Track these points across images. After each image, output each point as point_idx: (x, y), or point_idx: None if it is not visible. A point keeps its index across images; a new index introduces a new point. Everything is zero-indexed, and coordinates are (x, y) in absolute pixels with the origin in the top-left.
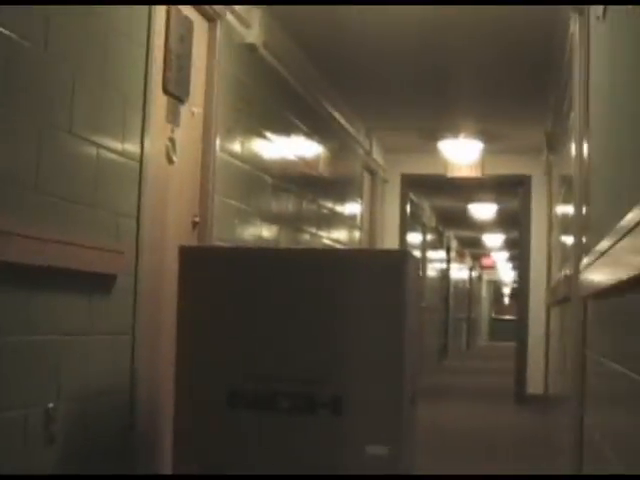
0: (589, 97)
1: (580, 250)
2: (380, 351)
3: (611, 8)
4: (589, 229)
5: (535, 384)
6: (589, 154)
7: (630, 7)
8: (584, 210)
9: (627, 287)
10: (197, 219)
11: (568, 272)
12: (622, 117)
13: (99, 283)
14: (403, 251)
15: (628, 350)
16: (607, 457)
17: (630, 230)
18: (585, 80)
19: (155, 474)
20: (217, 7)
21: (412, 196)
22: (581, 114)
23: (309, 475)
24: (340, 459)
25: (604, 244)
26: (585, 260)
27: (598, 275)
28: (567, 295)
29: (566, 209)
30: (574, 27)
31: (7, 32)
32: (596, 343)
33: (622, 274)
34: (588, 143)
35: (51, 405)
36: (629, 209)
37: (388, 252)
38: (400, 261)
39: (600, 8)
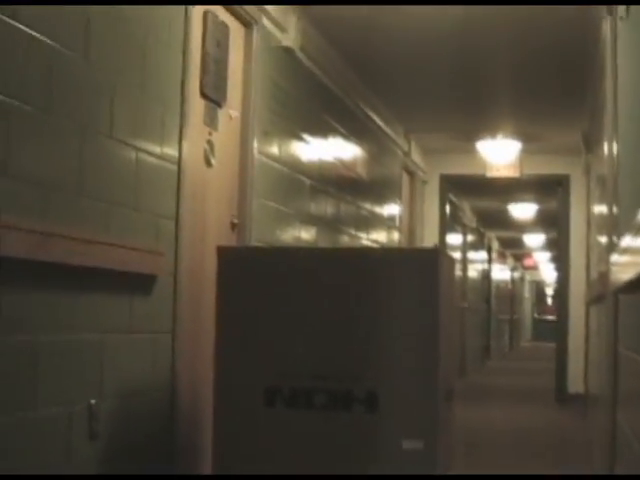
0: (617, 97)
1: (611, 247)
2: (414, 348)
3: (634, 8)
4: (618, 227)
5: (576, 383)
6: (618, 154)
7: None
8: (614, 209)
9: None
10: (236, 220)
11: (602, 269)
12: None
13: (140, 283)
14: (436, 249)
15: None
16: (637, 452)
17: None
18: (614, 80)
19: (187, 474)
20: (253, 11)
21: (452, 197)
22: (612, 114)
23: (341, 475)
24: (376, 454)
25: (626, 241)
26: (614, 257)
27: (624, 271)
28: (601, 293)
29: (601, 208)
30: (605, 27)
31: (49, 41)
32: (626, 338)
33: (635, 271)
34: (617, 143)
35: (93, 402)
36: None
37: (421, 250)
38: (433, 259)
39: (623, 8)
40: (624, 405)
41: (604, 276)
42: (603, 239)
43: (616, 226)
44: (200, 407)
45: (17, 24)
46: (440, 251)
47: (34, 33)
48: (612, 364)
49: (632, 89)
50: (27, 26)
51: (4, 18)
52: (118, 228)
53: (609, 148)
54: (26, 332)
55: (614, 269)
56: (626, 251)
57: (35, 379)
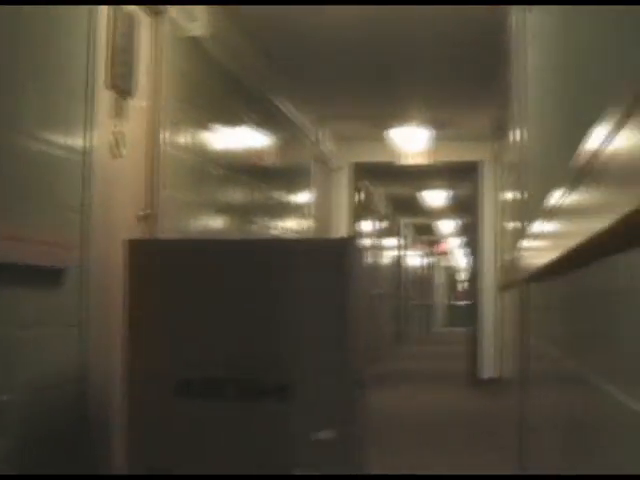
0: (526, 85)
1: (520, 234)
2: (325, 338)
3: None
4: (528, 213)
5: (489, 368)
6: (527, 141)
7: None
8: (523, 195)
9: (547, 270)
10: (145, 212)
11: (512, 256)
12: (549, 103)
13: (47, 276)
14: (345, 239)
15: (546, 330)
16: (541, 433)
17: (551, 213)
18: (523, 69)
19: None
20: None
21: (366, 184)
22: (520, 102)
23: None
24: (288, 444)
25: (535, 227)
26: (524, 243)
27: (532, 259)
28: (512, 279)
29: (511, 194)
30: (514, 16)
31: None
32: (532, 324)
33: (547, 257)
34: (525, 130)
35: (4, 398)
36: (551, 193)
37: (330, 241)
38: (342, 249)
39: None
40: (531, 389)
41: (514, 262)
42: (513, 225)
43: (525, 212)
44: (113, 399)
45: None
46: (350, 241)
47: None
48: (523, 350)
49: (539, 78)
50: None
51: None
52: (23, 221)
53: (518, 135)
54: None
55: (524, 255)
56: (535, 238)
57: None
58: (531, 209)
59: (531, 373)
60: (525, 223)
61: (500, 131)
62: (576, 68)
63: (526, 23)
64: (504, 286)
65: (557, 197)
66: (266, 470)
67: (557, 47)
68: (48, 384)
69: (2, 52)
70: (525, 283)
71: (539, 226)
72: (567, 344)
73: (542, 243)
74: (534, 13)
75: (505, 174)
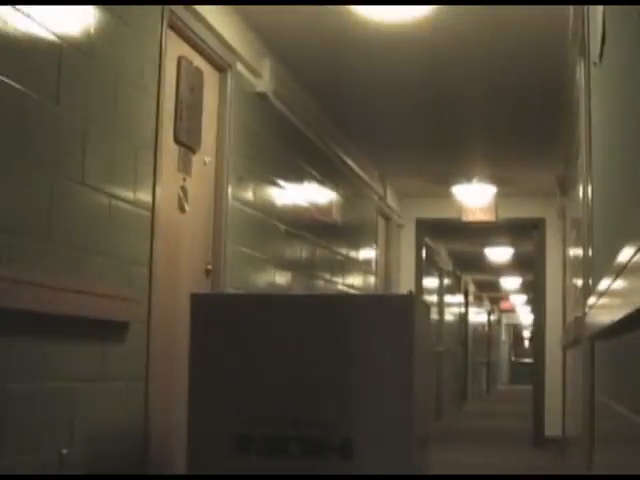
0: (591, 141)
1: (587, 291)
2: (389, 395)
3: (607, 54)
4: (593, 270)
5: (553, 426)
6: (592, 197)
7: (620, 50)
8: (589, 252)
9: (619, 328)
10: (210, 267)
11: (578, 314)
12: (615, 160)
13: (112, 330)
14: (410, 295)
15: (622, 390)
16: None
17: (620, 271)
18: (588, 124)
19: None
20: (227, 56)
21: (428, 241)
22: (585, 158)
23: None
24: None
25: (602, 285)
26: (590, 301)
27: (599, 316)
28: (577, 337)
29: (576, 251)
30: (579, 72)
31: (19, 86)
32: (601, 384)
33: (616, 315)
34: (591, 186)
35: (65, 451)
36: (619, 250)
37: (395, 296)
38: (407, 304)
39: (597, 53)
40: (600, 451)
41: (580, 320)
42: (579, 282)
43: (591, 269)
44: (173, 455)
45: None
46: (415, 297)
47: (4, 78)
48: (588, 408)
49: (605, 133)
50: None
51: None
52: (89, 275)
53: (583, 191)
54: None
55: (590, 313)
56: (602, 295)
57: (3, 428)
58: (598, 266)
59: (597, 432)
60: (591, 280)
61: (565, 187)
62: None
63: (591, 77)
64: (569, 344)
65: (627, 254)
66: None
67: (625, 101)
68: (111, 438)
69: (71, 105)
70: (591, 340)
71: (607, 283)
72: (635, 402)
73: (609, 300)
74: (600, 67)
75: (570, 231)
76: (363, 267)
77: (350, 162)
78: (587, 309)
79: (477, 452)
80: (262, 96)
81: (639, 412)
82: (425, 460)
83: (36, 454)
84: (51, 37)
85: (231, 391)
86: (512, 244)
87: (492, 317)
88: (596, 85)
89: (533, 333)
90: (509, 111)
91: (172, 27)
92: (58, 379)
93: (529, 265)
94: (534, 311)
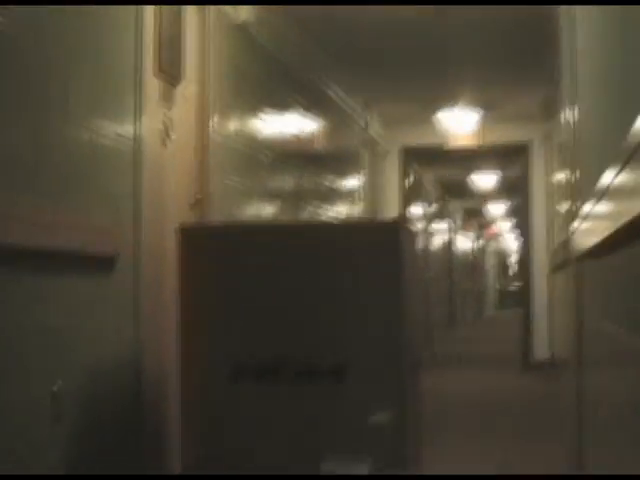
0: (577, 64)
1: (573, 215)
2: (379, 320)
3: None
4: (580, 194)
5: (541, 350)
6: (578, 120)
7: None
8: (575, 175)
9: (602, 249)
10: (198, 196)
11: (564, 237)
12: (601, 82)
13: (99, 264)
14: (396, 221)
15: (602, 308)
16: (604, 417)
17: (604, 192)
18: (573, 46)
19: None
20: None
21: (414, 167)
22: (570, 80)
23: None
24: (344, 426)
25: (587, 207)
26: (576, 224)
27: (585, 236)
28: (564, 260)
29: (562, 175)
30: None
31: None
32: (588, 304)
33: (600, 235)
34: (577, 109)
35: (57, 384)
36: (605, 172)
37: (382, 223)
38: (395, 230)
39: None
40: (589, 371)
41: (567, 243)
42: (565, 206)
43: (578, 193)
44: (167, 384)
45: None
46: (401, 223)
47: None
48: (577, 330)
49: (590, 55)
50: None
51: None
52: (75, 209)
53: (569, 115)
54: None
55: (576, 236)
56: (588, 217)
57: None
58: (584, 189)
59: (586, 353)
60: (578, 203)
61: (550, 111)
62: (629, 48)
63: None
64: (556, 267)
65: (610, 176)
66: (320, 454)
67: (611, 26)
68: (103, 370)
69: (51, 43)
70: (578, 263)
71: (593, 205)
72: (627, 320)
73: (597, 222)
74: None
75: (556, 155)
76: (349, 196)
77: (334, 90)
78: (573, 231)
79: (467, 377)
80: (243, 27)
81: (631, 328)
82: (416, 385)
83: (27, 391)
84: None
85: (221, 322)
86: (498, 169)
87: (479, 244)
88: (582, 10)
89: (519, 258)
90: (494, 35)
91: None
92: (46, 315)
93: (515, 190)
94: (520, 236)
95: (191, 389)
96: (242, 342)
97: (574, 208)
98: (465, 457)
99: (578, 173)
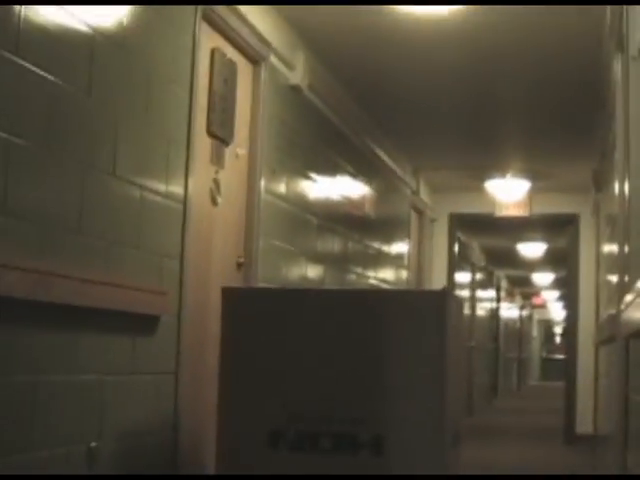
0: (629, 136)
1: (622, 289)
2: (421, 391)
3: None
4: (630, 267)
5: (584, 423)
6: (630, 193)
7: None
8: (626, 249)
9: None
10: (242, 260)
11: (612, 311)
12: None
13: (143, 323)
14: (443, 290)
15: None
16: None
17: None
18: (626, 119)
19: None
20: (261, 49)
21: (461, 235)
22: (623, 153)
23: None
24: None
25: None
26: (626, 299)
27: (636, 314)
28: (612, 334)
29: (611, 248)
30: (616, 66)
31: (51, 77)
32: (636, 383)
33: None
34: (629, 182)
35: (94, 444)
36: None
37: (428, 292)
38: (440, 301)
39: (636, 47)
40: (635, 449)
41: (615, 317)
42: (614, 279)
43: (627, 266)
44: (203, 449)
45: (18, 60)
46: (448, 292)
47: (35, 69)
48: (622, 407)
49: None
50: (28, 62)
51: (5, 54)
52: (120, 267)
53: (620, 187)
54: (24, 373)
55: (626, 311)
56: None
57: (33, 421)
58: (635, 263)
59: (631, 431)
60: (627, 277)
61: (600, 183)
62: None
63: (629, 72)
64: (603, 340)
65: None
66: None
67: None
68: (141, 432)
69: (103, 97)
70: (626, 339)
71: None
72: None
73: None
74: (638, 61)
75: (605, 227)
76: (395, 261)
77: (383, 155)
78: (623, 306)
79: (508, 449)
80: (295, 89)
81: None
82: (456, 457)
83: (65, 447)
84: (83, 28)
85: (262, 386)
86: (545, 239)
87: (524, 312)
88: (634, 79)
89: (565, 329)
90: (544, 106)
91: (205, 19)
92: (88, 372)
93: (562, 261)
94: (567, 307)
95: (228, 453)
96: (282, 409)
97: (624, 282)
98: None
99: (629, 247)
